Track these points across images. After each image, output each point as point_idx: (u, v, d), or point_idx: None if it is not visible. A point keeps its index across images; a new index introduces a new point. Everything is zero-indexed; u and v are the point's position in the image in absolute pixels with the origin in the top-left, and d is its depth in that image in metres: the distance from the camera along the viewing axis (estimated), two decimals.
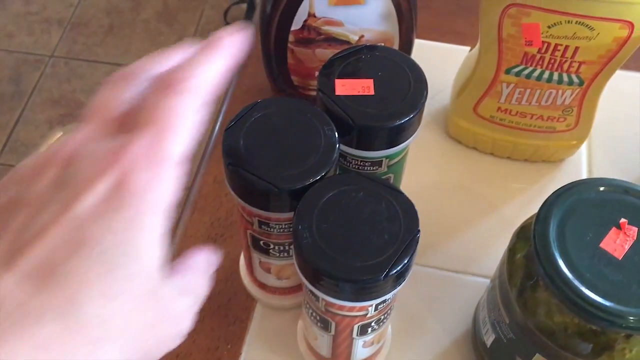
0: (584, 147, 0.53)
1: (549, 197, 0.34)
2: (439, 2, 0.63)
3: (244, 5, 1.70)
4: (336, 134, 0.35)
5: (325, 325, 0.36)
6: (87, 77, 1.64)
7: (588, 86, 0.45)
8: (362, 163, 0.39)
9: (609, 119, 0.54)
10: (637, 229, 0.32)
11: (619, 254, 0.32)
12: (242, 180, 0.34)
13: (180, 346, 0.43)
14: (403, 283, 0.33)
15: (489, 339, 0.40)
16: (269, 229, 0.37)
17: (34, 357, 0.19)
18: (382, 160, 0.40)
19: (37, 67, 1.65)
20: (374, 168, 0.40)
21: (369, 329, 0.36)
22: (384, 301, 0.34)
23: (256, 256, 0.41)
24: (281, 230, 0.37)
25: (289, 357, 0.44)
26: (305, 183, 0.33)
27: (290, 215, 0.34)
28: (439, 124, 0.55)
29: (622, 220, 0.33)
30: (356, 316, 0.35)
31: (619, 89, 0.56)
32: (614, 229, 0.32)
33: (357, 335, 0.37)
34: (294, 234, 0.32)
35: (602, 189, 0.34)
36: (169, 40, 1.71)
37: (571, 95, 0.46)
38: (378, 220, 0.32)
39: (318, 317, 0.36)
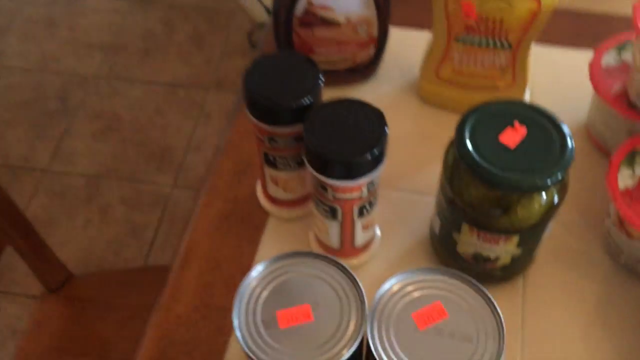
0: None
1: (466, 111, 0.49)
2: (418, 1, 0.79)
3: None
4: (320, 72, 0.51)
5: (334, 214, 0.51)
6: (126, 94, 1.83)
7: (516, 49, 0.60)
8: None
9: (547, 83, 0.69)
10: (525, 127, 0.47)
11: (512, 144, 0.46)
12: (258, 104, 0.49)
13: (214, 242, 0.59)
14: (382, 164, 0.48)
15: (437, 227, 0.54)
16: (276, 143, 0.52)
17: None
18: None
19: (82, 86, 1.85)
20: None
21: (365, 211, 0.51)
22: (372, 183, 0.49)
23: (267, 172, 0.56)
24: (286, 144, 0.52)
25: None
26: (299, 104, 0.49)
27: (292, 129, 0.50)
28: (412, 90, 0.70)
29: (515, 121, 0.47)
30: (355, 198, 0.49)
31: (553, 60, 0.71)
32: (509, 127, 0.47)
33: (357, 216, 0.51)
34: (305, 137, 0.47)
35: (503, 105, 0.49)
36: (199, 60, 1.90)
37: (504, 57, 0.61)
38: (360, 124, 0.47)
39: (328, 208, 0.51)
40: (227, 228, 0.60)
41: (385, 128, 0.47)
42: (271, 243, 0.59)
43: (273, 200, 0.60)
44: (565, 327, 0.54)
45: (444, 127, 0.67)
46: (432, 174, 0.63)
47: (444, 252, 0.55)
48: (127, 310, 0.95)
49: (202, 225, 0.60)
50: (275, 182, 0.57)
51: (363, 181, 0.48)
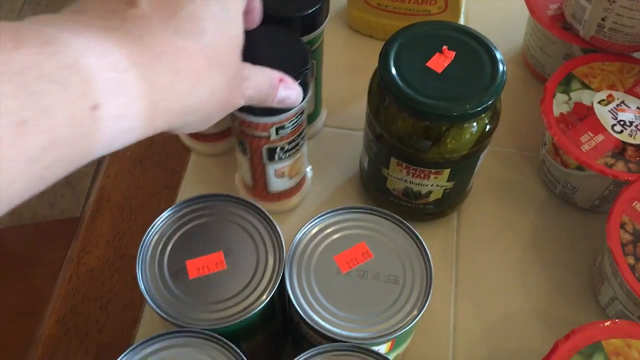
0: None
1: (391, 35, 0.45)
2: None
3: None
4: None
5: (243, 148, 0.46)
6: None
7: None
8: None
9: (482, 7, 0.66)
10: (454, 52, 0.44)
11: (439, 70, 0.43)
12: None
13: (129, 189, 0.54)
14: (286, 112, 0.43)
15: (366, 163, 0.51)
16: None
17: (171, 65, 0.26)
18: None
19: None
20: None
21: (276, 156, 0.47)
22: (282, 127, 0.44)
23: None
24: None
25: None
26: None
27: None
28: (341, 19, 0.66)
29: (444, 46, 0.44)
30: (262, 137, 0.44)
31: None
32: (437, 53, 0.44)
33: (267, 159, 0.47)
34: None
35: (432, 27, 0.45)
36: None
37: None
38: (278, 57, 0.41)
39: (238, 142, 0.46)
40: (142, 172, 0.56)
41: (307, 65, 0.41)
42: (193, 186, 0.55)
43: (194, 135, 0.55)
44: (500, 261, 0.52)
45: (375, 57, 0.63)
46: (361, 108, 0.59)
47: (374, 189, 0.52)
48: (54, 264, 0.90)
49: (113, 170, 0.56)
50: None
51: (267, 121, 0.43)
